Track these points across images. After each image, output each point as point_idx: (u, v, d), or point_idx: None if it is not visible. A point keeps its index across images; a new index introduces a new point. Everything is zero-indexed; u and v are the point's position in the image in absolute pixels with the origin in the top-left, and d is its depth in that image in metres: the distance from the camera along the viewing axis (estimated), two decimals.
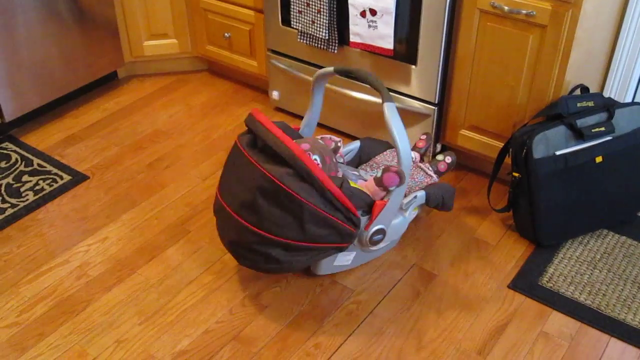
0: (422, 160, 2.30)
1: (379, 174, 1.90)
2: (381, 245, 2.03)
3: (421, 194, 2.07)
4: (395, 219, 2.03)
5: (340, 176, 1.99)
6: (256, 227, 1.84)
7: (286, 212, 1.80)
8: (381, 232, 1.98)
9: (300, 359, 1.88)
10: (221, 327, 1.97)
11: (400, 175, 1.88)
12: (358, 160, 2.30)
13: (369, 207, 1.92)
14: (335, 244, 1.89)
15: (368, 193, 1.93)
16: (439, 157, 2.26)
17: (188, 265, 2.17)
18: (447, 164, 2.25)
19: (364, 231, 1.94)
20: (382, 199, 1.93)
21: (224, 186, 1.96)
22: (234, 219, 1.88)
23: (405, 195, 2.07)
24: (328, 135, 2.14)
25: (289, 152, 1.78)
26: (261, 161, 1.83)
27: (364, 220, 1.93)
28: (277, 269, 1.93)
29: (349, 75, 1.96)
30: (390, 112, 1.86)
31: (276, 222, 1.82)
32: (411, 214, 2.08)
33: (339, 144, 2.11)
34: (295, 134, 2.12)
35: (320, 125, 2.82)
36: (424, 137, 2.33)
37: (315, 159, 1.88)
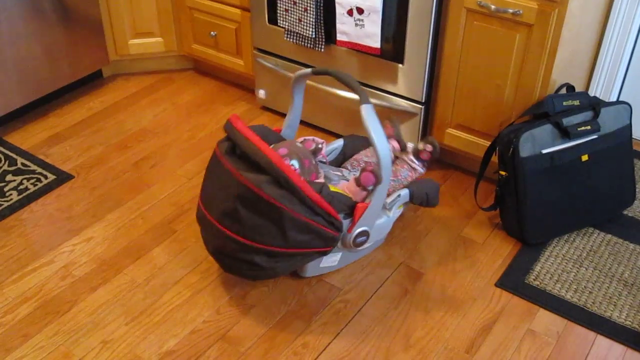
0: (402, 147, 2.24)
1: (358, 174, 1.90)
2: (366, 245, 2.02)
3: (404, 192, 2.06)
4: (379, 219, 2.02)
5: (322, 177, 1.98)
6: (238, 235, 1.84)
7: (267, 220, 1.80)
8: (365, 233, 1.97)
9: (288, 358, 1.87)
10: (208, 327, 1.96)
11: (376, 174, 1.87)
12: (342, 159, 2.28)
13: (351, 209, 1.92)
14: (318, 248, 1.89)
15: (349, 194, 1.92)
16: (420, 145, 2.18)
17: (174, 265, 2.16)
18: (430, 152, 2.16)
19: (347, 234, 1.94)
20: (363, 199, 1.93)
21: (205, 194, 1.96)
22: (216, 227, 1.89)
23: (389, 194, 2.07)
24: (311, 137, 2.13)
25: (266, 160, 1.77)
26: (240, 169, 1.82)
27: (346, 223, 1.93)
28: (262, 275, 1.94)
29: (328, 75, 1.95)
30: (368, 115, 1.84)
31: (258, 230, 1.82)
32: (395, 212, 2.07)
33: (319, 145, 2.09)
34: (276, 137, 2.10)
35: (305, 123, 2.82)
36: (387, 123, 2.26)
37: (293, 164, 1.88)
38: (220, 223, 1.87)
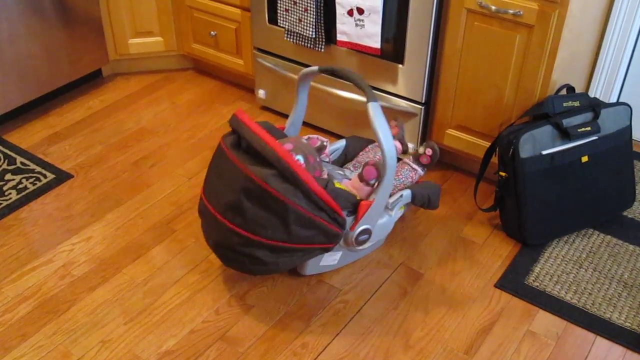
0: (404, 149, 2.28)
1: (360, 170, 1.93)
2: (367, 244, 2.03)
3: (407, 193, 2.07)
4: (381, 218, 2.02)
5: (325, 176, 1.99)
6: (241, 228, 1.83)
7: (271, 214, 1.79)
8: (367, 232, 1.97)
9: (287, 358, 1.87)
10: (207, 327, 1.96)
11: (378, 168, 1.89)
12: (344, 159, 2.29)
13: (354, 207, 1.92)
14: (321, 244, 1.88)
15: (353, 191, 1.93)
16: (420, 149, 2.22)
17: (174, 264, 2.16)
18: (430, 156, 2.20)
19: (350, 231, 1.94)
20: (367, 196, 1.93)
21: (208, 187, 1.95)
22: (219, 220, 1.88)
23: (391, 195, 2.07)
24: (315, 135, 2.14)
25: (273, 153, 1.77)
26: (245, 162, 1.82)
27: (349, 220, 1.93)
28: (263, 270, 1.92)
29: (334, 74, 1.96)
30: (375, 112, 1.86)
31: (261, 224, 1.81)
32: (397, 213, 2.08)
33: (324, 143, 2.11)
34: (280, 134, 2.11)
35: (306, 124, 2.81)
36: (393, 123, 2.31)
37: (299, 159, 1.88)
38: (223, 216, 1.86)
